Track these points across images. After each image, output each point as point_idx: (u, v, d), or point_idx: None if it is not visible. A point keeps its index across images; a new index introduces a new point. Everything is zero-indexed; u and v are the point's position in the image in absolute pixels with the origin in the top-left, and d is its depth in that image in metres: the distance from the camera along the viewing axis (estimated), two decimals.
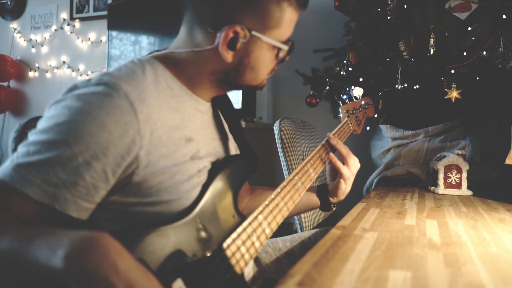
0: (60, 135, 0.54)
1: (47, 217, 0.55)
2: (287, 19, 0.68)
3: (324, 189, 0.98)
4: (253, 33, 0.65)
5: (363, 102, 1.21)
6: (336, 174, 0.96)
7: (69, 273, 0.44)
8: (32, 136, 0.57)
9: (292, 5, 0.68)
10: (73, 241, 0.45)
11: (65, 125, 0.55)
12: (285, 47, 0.71)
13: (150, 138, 0.60)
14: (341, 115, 1.13)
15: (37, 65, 3.34)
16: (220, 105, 0.83)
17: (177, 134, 0.65)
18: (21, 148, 0.56)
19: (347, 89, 1.78)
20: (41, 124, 0.57)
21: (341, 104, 1.13)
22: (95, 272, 0.43)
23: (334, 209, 1.02)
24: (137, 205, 0.62)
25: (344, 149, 0.93)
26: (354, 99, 1.19)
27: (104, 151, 0.55)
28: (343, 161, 0.93)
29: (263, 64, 0.70)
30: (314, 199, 0.98)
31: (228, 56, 0.66)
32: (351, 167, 0.93)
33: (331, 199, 0.97)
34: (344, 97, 1.18)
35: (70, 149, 0.54)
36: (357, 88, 1.20)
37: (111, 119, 0.56)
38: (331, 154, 0.94)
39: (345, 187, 0.94)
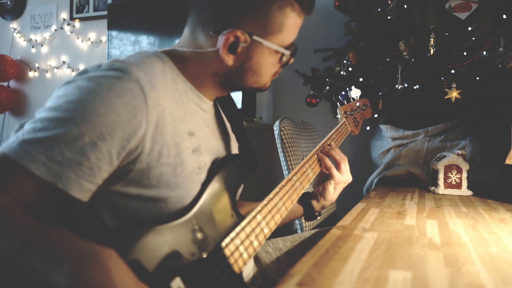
0: (68, 113, 0.54)
1: (48, 197, 0.55)
2: (290, 24, 0.68)
3: (306, 196, 0.96)
4: (254, 37, 0.66)
5: (360, 104, 1.21)
6: (323, 179, 0.95)
7: None
8: (40, 113, 0.57)
9: (296, 10, 0.68)
10: (78, 258, 0.45)
11: (74, 104, 0.55)
12: (287, 52, 0.71)
13: (156, 125, 0.60)
14: (339, 116, 1.13)
15: (37, 65, 3.34)
16: (223, 104, 0.83)
17: (181, 126, 0.65)
18: (28, 125, 0.56)
19: (346, 89, 1.78)
20: (49, 103, 0.57)
21: (339, 105, 1.14)
22: None
23: (318, 218, 1.00)
24: (137, 198, 0.61)
25: (339, 156, 0.93)
26: (352, 100, 1.19)
27: (110, 132, 0.55)
28: (336, 165, 0.93)
29: (265, 68, 0.70)
30: (296, 206, 0.96)
31: (229, 59, 0.66)
32: (343, 174, 0.92)
33: (315, 205, 0.96)
34: (343, 93, 1.18)
35: (78, 127, 0.54)
36: (354, 89, 1.21)
37: (120, 101, 0.56)
38: (321, 154, 0.92)
39: (333, 191, 0.93)
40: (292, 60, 0.74)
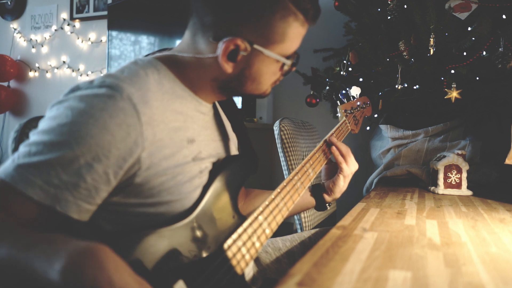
0: (62, 136, 0.54)
1: (47, 218, 0.55)
2: (293, 34, 0.66)
3: (318, 188, 0.99)
4: (255, 46, 0.64)
5: (360, 102, 1.21)
6: (332, 173, 0.98)
7: (65, 287, 0.44)
8: (34, 136, 0.56)
9: (299, 20, 0.66)
10: (71, 254, 0.45)
11: (67, 127, 0.55)
12: (288, 62, 0.69)
13: (153, 140, 0.60)
14: (339, 114, 1.13)
15: (37, 65, 3.34)
16: (223, 105, 0.83)
17: (179, 136, 0.65)
18: (23, 148, 0.56)
19: (346, 88, 1.78)
20: (43, 125, 0.57)
21: (339, 104, 1.14)
22: (91, 287, 0.43)
23: (328, 208, 1.04)
24: (139, 206, 0.62)
25: (345, 148, 0.95)
26: (351, 99, 1.19)
27: (106, 153, 0.55)
28: (345, 160, 0.95)
29: (265, 76, 0.69)
30: (309, 198, 0.99)
31: (228, 67, 0.65)
32: (350, 165, 0.95)
33: (326, 197, 0.98)
34: (343, 92, 1.18)
35: (72, 150, 0.54)
36: (354, 87, 1.21)
37: (113, 121, 0.56)
38: (334, 148, 0.95)
39: (343, 184, 0.96)
40: (294, 69, 0.73)
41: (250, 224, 0.68)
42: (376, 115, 1.82)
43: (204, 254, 0.63)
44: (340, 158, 0.94)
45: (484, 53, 1.39)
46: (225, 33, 0.63)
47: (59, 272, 0.44)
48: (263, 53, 0.65)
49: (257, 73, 0.68)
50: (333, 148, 0.95)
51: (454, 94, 1.44)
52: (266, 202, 0.72)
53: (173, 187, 0.63)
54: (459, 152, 1.36)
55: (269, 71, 0.69)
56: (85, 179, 0.55)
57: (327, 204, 1.00)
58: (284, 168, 1.45)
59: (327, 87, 1.94)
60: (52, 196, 0.53)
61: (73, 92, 0.58)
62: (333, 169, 0.98)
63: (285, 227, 2.18)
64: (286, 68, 0.71)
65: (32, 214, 0.54)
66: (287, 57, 0.69)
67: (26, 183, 0.53)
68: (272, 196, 0.73)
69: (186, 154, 0.65)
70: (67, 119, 0.55)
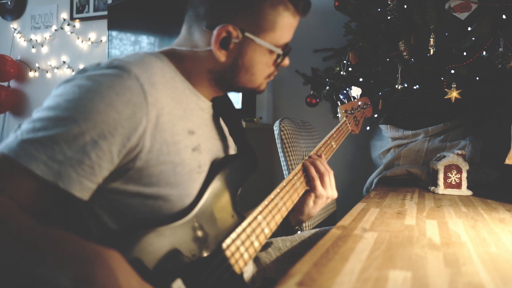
0: (68, 112, 0.54)
1: (47, 197, 0.55)
2: (283, 24, 0.68)
3: None
4: (246, 34, 0.66)
5: (361, 102, 1.21)
6: (305, 191, 0.87)
7: None
8: (38, 113, 0.56)
9: (289, 10, 0.68)
10: (83, 260, 0.45)
11: (74, 102, 0.55)
12: (279, 51, 0.70)
13: (156, 122, 0.60)
14: (339, 115, 1.13)
15: (37, 65, 3.33)
16: (221, 106, 0.83)
17: (181, 125, 0.65)
18: (26, 125, 0.55)
19: (347, 89, 1.78)
20: (48, 102, 0.57)
21: (340, 104, 1.14)
22: None
23: (299, 232, 0.93)
24: (137, 196, 0.61)
25: (322, 167, 0.86)
26: (352, 99, 1.19)
27: (111, 130, 0.55)
28: (320, 177, 0.86)
29: (258, 66, 0.70)
30: None
31: (221, 55, 0.67)
32: (326, 186, 0.86)
33: (290, 218, 0.90)
34: (344, 92, 1.18)
35: (78, 126, 0.53)
36: (355, 88, 1.21)
37: (120, 99, 0.56)
38: (307, 162, 0.87)
39: (313, 205, 0.86)
40: (286, 61, 0.74)
41: (249, 223, 0.68)
42: (376, 115, 1.82)
43: (203, 254, 0.63)
44: (313, 174, 0.85)
45: (484, 53, 1.39)
46: (218, 21, 0.65)
47: (70, 278, 0.44)
48: (255, 41, 0.67)
49: (249, 62, 0.69)
50: (306, 163, 0.86)
51: (454, 94, 1.44)
52: (266, 202, 0.72)
53: (172, 177, 0.63)
54: (459, 152, 1.36)
55: (261, 61, 0.70)
56: (90, 156, 0.54)
57: (295, 228, 0.90)
58: (284, 168, 1.45)
59: (327, 87, 1.94)
60: (56, 172, 0.53)
61: (80, 73, 0.59)
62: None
63: None
64: (279, 60, 0.72)
65: (33, 192, 0.53)
66: (280, 49, 0.70)
67: (30, 158, 0.52)
68: (272, 196, 0.73)
69: (186, 144, 0.65)
70: (73, 95, 0.55)
